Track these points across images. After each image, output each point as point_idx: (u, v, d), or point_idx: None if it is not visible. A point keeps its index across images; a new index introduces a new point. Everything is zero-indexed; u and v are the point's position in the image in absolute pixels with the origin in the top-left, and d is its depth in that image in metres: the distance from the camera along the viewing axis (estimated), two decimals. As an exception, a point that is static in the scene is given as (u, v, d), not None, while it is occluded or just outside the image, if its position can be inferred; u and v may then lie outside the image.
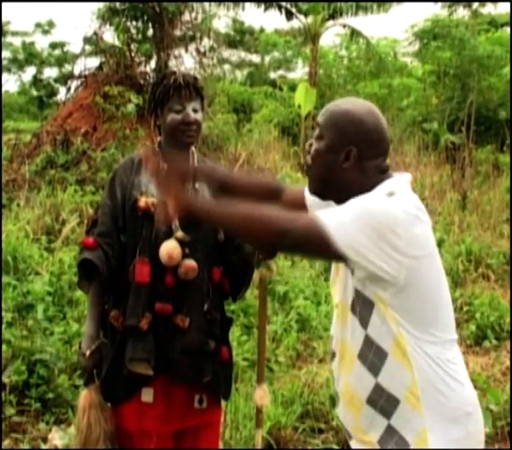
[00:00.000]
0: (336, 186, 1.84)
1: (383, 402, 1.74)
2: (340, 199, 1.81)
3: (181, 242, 2.40)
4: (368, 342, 1.74)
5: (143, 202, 2.42)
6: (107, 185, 2.54)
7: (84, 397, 2.46)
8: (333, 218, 1.67)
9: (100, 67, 11.59)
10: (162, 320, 2.40)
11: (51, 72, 28.75)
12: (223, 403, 2.79)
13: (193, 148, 2.60)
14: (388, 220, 1.65)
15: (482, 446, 1.82)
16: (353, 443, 1.87)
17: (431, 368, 1.71)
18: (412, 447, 1.71)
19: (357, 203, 1.71)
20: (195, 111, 2.48)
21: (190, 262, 2.41)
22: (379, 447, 1.75)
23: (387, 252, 1.64)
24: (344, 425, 1.89)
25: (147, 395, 2.42)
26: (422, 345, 1.71)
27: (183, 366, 2.41)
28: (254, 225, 1.71)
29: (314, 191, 1.92)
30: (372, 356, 1.74)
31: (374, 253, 1.64)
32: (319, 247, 1.67)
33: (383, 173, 1.85)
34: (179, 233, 2.39)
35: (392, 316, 1.70)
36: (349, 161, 1.80)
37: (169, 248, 2.38)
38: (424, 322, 1.72)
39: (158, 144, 2.57)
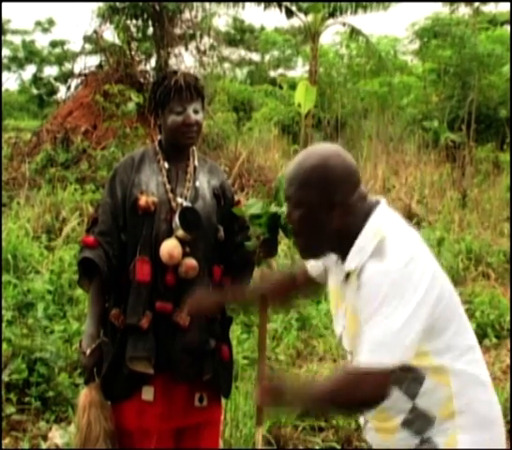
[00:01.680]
0: (333, 238, 1.81)
1: (419, 423, 1.75)
2: (340, 247, 1.81)
3: (181, 241, 2.40)
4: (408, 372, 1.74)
5: (143, 200, 2.42)
6: (107, 183, 2.54)
7: (85, 395, 2.47)
8: (373, 356, 1.64)
9: (100, 66, 11.59)
10: (163, 318, 2.40)
11: (51, 71, 28.81)
12: (223, 401, 2.80)
13: (194, 147, 2.60)
14: (399, 289, 1.65)
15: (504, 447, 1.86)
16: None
17: (466, 378, 1.76)
18: (440, 447, 1.74)
19: (374, 312, 1.67)
20: (196, 112, 2.47)
21: (191, 261, 2.41)
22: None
23: (427, 311, 1.67)
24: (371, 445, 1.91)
25: (148, 393, 2.43)
26: (455, 362, 1.75)
27: (183, 364, 2.42)
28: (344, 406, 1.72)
29: (311, 256, 1.93)
30: (407, 382, 1.74)
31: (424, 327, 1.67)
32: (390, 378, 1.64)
33: (366, 198, 1.82)
34: (180, 232, 2.39)
35: (423, 349, 1.72)
36: (335, 209, 1.76)
37: (169, 247, 2.38)
38: (447, 338, 1.74)
39: (159, 143, 2.57)
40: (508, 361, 5.12)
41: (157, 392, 2.43)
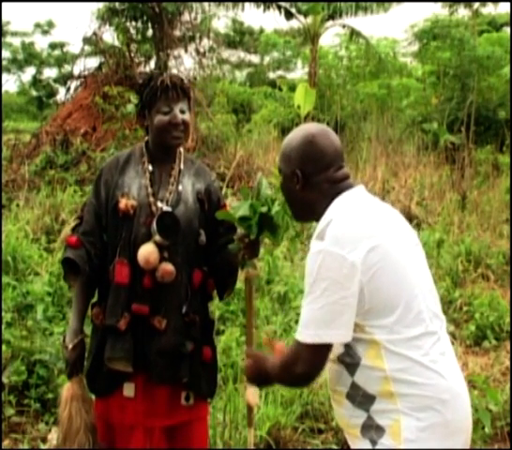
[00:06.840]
0: (303, 208, 2.03)
1: (360, 398, 1.85)
2: (315, 218, 1.97)
3: (159, 245, 2.40)
4: (347, 347, 1.87)
5: (123, 203, 2.42)
6: (93, 183, 2.56)
7: (67, 389, 2.52)
8: (306, 332, 1.86)
9: (100, 68, 11.60)
10: (140, 320, 2.41)
11: (50, 72, 28.77)
12: (223, 403, 2.80)
13: (181, 149, 2.60)
14: (332, 276, 1.78)
15: (467, 434, 1.89)
16: (347, 436, 1.97)
17: (403, 363, 1.79)
18: (387, 433, 1.80)
19: (307, 290, 1.84)
20: (182, 112, 2.48)
21: (168, 266, 2.40)
22: (361, 437, 1.86)
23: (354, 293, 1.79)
24: (336, 418, 2.03)
25: (128, 390, 2.45)
26: (393, 344, 1.80)
27: (159, 366, 2.43)
28: (288, 382, 2.09)
29: (297, 219, 2.14)
30: (349, 359, 1.87)
31: (352, 301, 1.79)
32: (324, 354, 1.87)
33: (339, 182, 1.97)
34: (157, 237, 2.39)
35: (362, 323, 1.82)
36: (299, 183, 1.98)
37: (146, 252, 2.38)
38: (390, 322, 1.81)
39: (146, 144, 2.57)
40: (508, 363, 5.12)
41: (137, 389, 2.45)
